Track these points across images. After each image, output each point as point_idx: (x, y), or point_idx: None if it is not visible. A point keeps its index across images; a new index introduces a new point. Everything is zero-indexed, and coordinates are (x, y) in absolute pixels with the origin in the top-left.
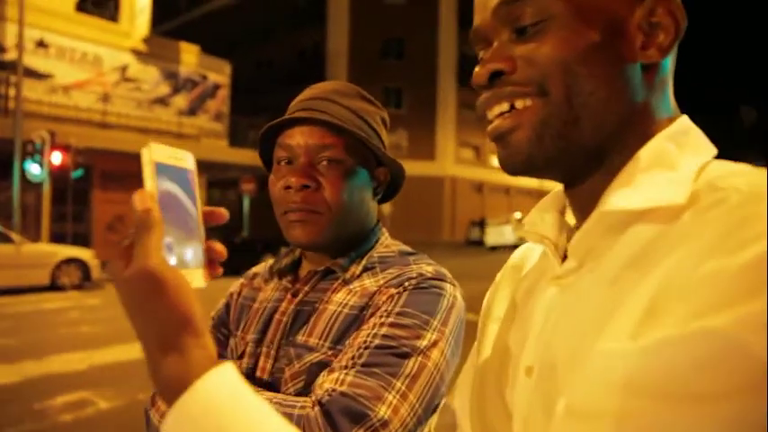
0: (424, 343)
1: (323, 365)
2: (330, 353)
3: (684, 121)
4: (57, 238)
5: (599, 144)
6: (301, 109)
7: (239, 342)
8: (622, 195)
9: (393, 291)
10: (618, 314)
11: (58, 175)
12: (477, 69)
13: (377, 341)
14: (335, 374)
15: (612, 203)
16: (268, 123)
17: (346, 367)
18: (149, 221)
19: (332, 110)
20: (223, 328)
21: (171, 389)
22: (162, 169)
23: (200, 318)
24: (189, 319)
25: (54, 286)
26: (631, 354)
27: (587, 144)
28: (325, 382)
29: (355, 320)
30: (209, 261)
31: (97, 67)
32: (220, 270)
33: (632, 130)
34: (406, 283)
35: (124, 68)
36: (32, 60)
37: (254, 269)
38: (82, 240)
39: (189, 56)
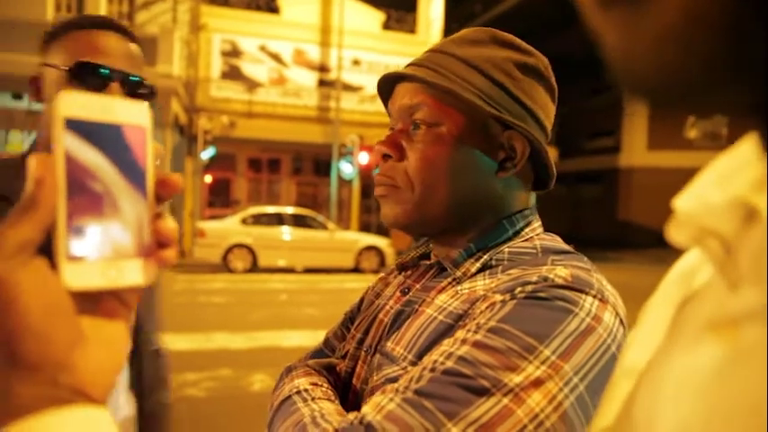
0: (517, 379)
1: None
2: (410, 368)
3: None
4: (363, 227)
5: None
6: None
7: (348, 341)
8: None
9: (498, 298)
10: None
11: (365, 173)
12: None
13: (448, 364)
14: (380, 398)
15: None
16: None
17: (397, 391)
18: (33, 198)
19: (434, 61)
20: (350, 325)
21: None
22: (82, 127)
23: (50, 341)
24: (12, 341)
25: (356, 269)
26: None
27: None
28: (367, 404)
29: (447, 332)
30: (157, 246)
31: None
32: (171, 257)
33: None
34: (518, 290)
35: None
36: (349, 76)
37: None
38: (384, 230)
39: None
